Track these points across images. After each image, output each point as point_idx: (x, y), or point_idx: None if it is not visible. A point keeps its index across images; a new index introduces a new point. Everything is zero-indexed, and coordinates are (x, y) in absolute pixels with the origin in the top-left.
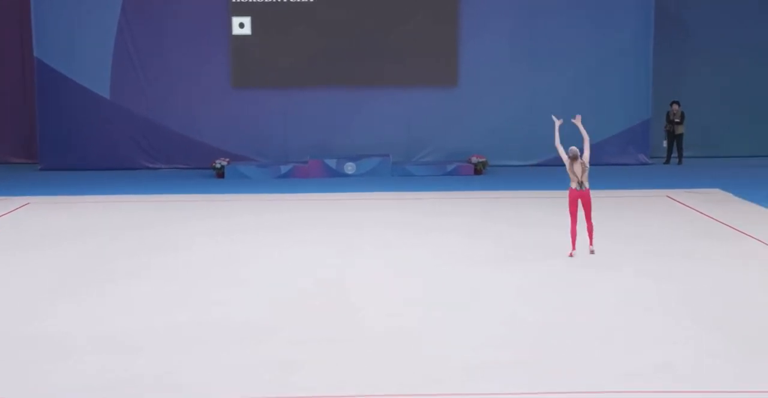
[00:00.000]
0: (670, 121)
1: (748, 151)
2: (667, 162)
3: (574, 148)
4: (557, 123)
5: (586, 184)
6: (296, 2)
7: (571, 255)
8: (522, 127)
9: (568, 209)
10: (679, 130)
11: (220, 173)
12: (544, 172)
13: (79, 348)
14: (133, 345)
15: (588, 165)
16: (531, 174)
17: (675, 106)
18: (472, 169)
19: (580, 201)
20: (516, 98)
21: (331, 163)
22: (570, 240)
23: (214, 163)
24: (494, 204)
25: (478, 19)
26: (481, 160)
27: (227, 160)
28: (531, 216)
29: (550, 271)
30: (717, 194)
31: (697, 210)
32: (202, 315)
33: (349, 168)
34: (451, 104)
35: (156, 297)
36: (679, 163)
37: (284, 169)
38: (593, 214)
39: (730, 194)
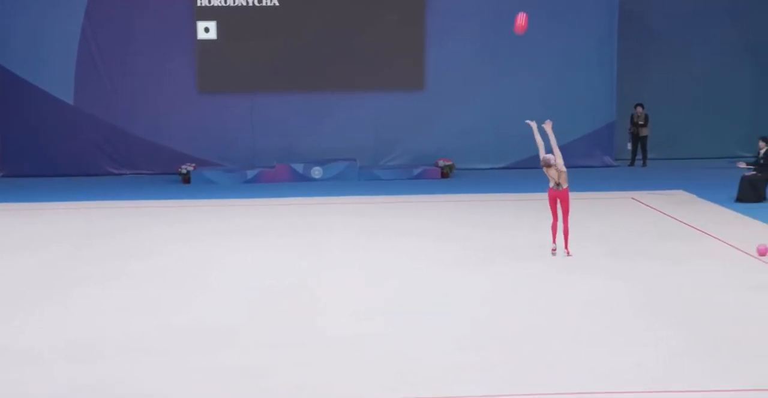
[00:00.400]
0: (634, 124)
1: (711, 152)
2: (632, 164)
3: (547, 156)
4: (533, 127)
5: (564, 185)
6: (261, 7)
7: (553, 250)
8: (488, 131)
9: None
10: (643, 132)
11: (186, 178)
12: (510, 174)
13: (46, 356)
14: (101, 352)
15: (564, 168)
16: (497, 177)
17: (639, 109)
18: (438, 173)
19: (558, 200)
20: (482, 102)
21: (298, 167)
22: (551, 236)
23: (180, 168)
24: (461, 208)
25: (444, 22)
26: (447, 163)
27: (193, 165)
28: (498, 219)
29: (521, 273)
30: (680, 195)
31: (662, 212)
32: (170, 321)
33: (316, 172)
34: (418, 108)
35: (123, 304)
36: (644, 164)
37: (251, 173)
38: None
39: (694, 195)
